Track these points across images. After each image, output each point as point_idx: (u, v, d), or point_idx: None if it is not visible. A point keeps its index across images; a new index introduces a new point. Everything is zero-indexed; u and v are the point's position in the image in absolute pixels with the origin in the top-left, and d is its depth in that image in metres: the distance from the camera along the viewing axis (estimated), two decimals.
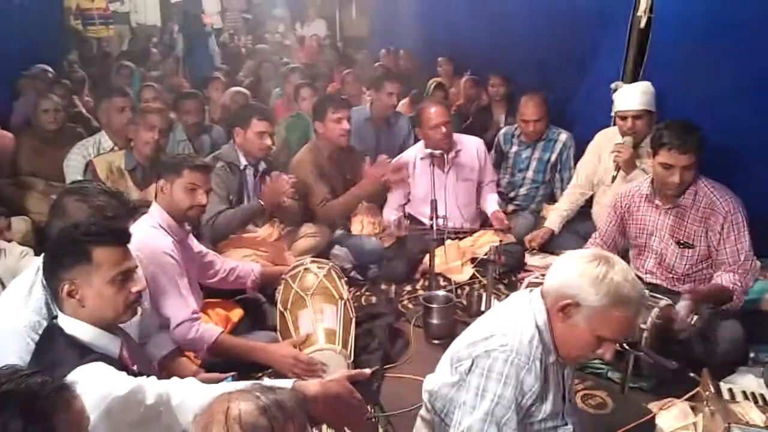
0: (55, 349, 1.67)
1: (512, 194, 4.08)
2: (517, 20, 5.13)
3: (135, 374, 1.71)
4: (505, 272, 3.43)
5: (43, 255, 1.82)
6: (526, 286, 2.74)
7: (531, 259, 3.54)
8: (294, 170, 3.63)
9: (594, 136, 3.66)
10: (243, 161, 3.39)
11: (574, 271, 1.57)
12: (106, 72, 6.91)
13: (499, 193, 4.00)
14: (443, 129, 3.60)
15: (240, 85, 6.08)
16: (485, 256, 3.10)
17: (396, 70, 6.55)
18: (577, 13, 4.23)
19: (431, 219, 3.13)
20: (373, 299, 3.41)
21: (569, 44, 4.42)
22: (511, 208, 4.01)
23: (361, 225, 3.77)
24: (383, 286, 3.53)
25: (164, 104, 4.63)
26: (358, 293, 3.41)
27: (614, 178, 3.28)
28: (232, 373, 2.25)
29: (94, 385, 1.51)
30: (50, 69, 5.46)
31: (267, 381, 1.53)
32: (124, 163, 3.41)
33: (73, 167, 3.66)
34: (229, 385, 1.56)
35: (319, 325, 2.56)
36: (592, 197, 3.65)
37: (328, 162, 3.71)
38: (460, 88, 5.71)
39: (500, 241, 3.46)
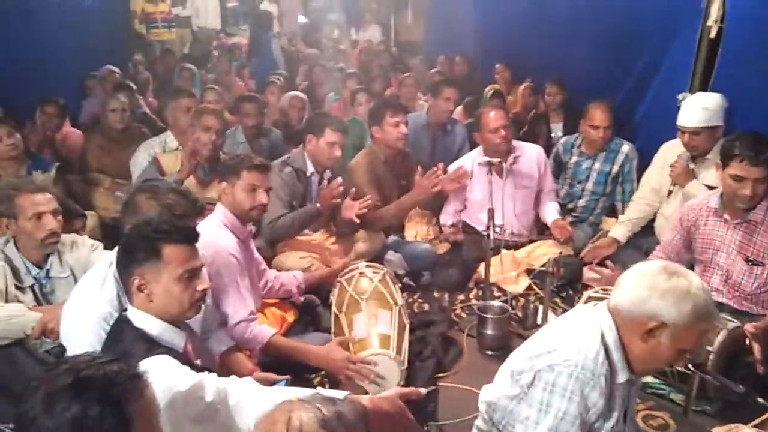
0: (124, 340, 1.73)
1: (571, 205, 3.99)
2: (578, 27, 5.03)
3: (198, 369, 1.75)
4: (562, 285, 3.36)
5: (116, 249, 1.89)
6: (586, 301, 2.68)
7: (590, 273, 3.45)
8: (349, 175, 3.67)
9: (659, 147, 3.57)
10: (310, 168, 3.44)
11: (654, 291, 1.53)
12: (169, 74, 7.14)
13: (557, 203, 3.92)
14: (502, 132, 3.56)
15: (296, 89, 6.17)
16: (543, 268, 3.03)
17: (452, 76, 6.52)
18: (643, 21, 4.12)
19: (487, 227, 3.09)
20: (426, 306, 3.40)
21: (633, 53, 4.31)
22: (569, 219, 3.92)
23: (416, 231, 3.77)
24: (436, 294, 3.51)
25: (225, 106, 4.76)
26: (410, 300, 3.40)
27: (670, 192, 3.20)
28: (286, 377, 2.27)
29: (160, 378, 1.54)
30: (117, 70, 5.67)
31: (321, 390, 1.53)
32: (180, 167, 3.51)
33: (139, 165, 3.78)
34: (289, 392, 1.57)
35: (373, 330, 2.56)
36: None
37: (383, 167, 3.73)
38: (518, 95, 5.63)
39: (560, 252, 3.38)
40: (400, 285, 3.00)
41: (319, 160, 3.44)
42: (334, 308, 2.77)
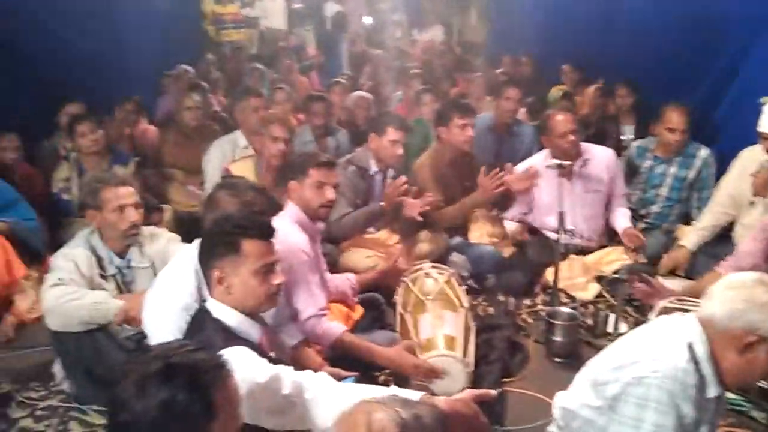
0: (205, 330, 1.79)
1: (643, 211, 3.86)
2: (652, 26, 4.87)
3: (272, 361, 1.79)
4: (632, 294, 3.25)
5: (196, 242, 1.96)
6: (660, 311, 2.59)
7: (665, 283, 3.32)
8: (414, 174, 3.67)
9: (738, 153, 3.41)
10: (374, 167, 3.47)
11: (752, 304, 1.47)
12: (239, 73, 7.33)
13: (629, 209, 3.80)
14: (570, 137, 3.49)
15: (360, 89, 6.22)
16: (615, 275, 2.95)
17: (517, 77, 6.44)
18: (722, 20, 3.96)
19: (557, 231, 3.03)
20: (491, 310, 3.36)
21: (711, 54, 4.14)
22: (641, 226, 3.79)
23: (480, 233, 3.73)
24: (501, 297, 3.45)
25: (294, 106, 4.85)
26: (474, 303, 3.36)
27: (752, 202, 3.05)
28: (354, 373, 2.30)
29: (239, 368, 1.59)
30: (191, 69, 5.87)
31: (397, 389, 1.53)
32: (254, 171, 3.57)
33: (211, 162, 3.91)
34: (365, 391, 1.59)
35: (439, 331, 2.56)
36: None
37: (447, 168, 3.71)
38: (586, 97, 5.50)
39: (635, 260, 3.28)
40: (465, 287, 2.98)
41: (382, 158, 3.46)
42: (399, 307, 2.78)
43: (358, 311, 2.97)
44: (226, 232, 1.82)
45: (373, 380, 2.60)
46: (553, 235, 3.26)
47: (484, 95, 5.68)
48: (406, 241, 3.60)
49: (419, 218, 3.32)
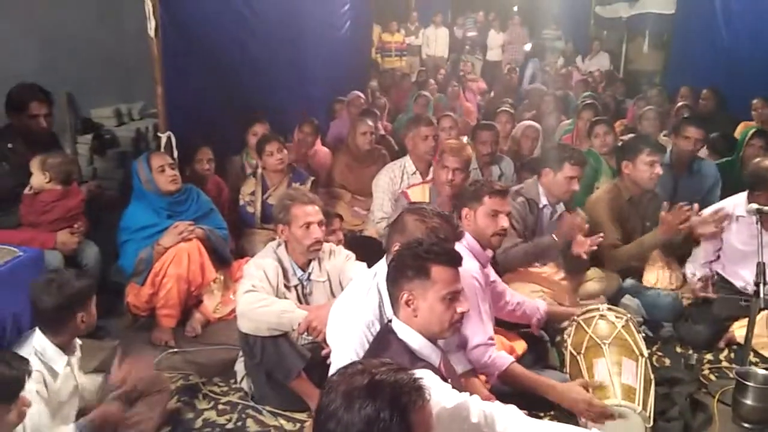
0: (389, 349, 1.84)
1: None
2: None
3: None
4: None
5: (383, 261, 2.03)
6: None
7: None
8: (590, 210, 3.53)
9: None
10: (543, 200, 3.40)
11: None
12: (402, 99, 7.58)
13: None
14: None
15: (522, 118, 6.14)
16: None
17: (697, 110, 5.98)
18: None
19: (756, 284, 2.73)
20: (666, 362, 3.12)
21: None
22: None
23: (657, 278, 3.48)
24: (679, 349, 3.20)
25: (459, 133, 4.90)
26: (648, 352, 3.13)
27: None
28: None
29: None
30: (362, 96, 6.17)
31: (594, 428, 1.46)
32: (428, 199, 3.61)
33: (381, 186, 4.05)
34: (557, 428, 1.53)
35: (616, 379, 2.41)
36: None
37: (627, 205, 3.53)
38: None
39: None
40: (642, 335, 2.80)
41: (554, 192, 3.38)
42: (570, 348, 2.67)
43: (521, 346, 2.90)
44: (417, 255, 1.87)
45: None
46: (746, 287, 2.95)
47: (658, 127, 5.34)
48: (572, 278, 3.47)
49: (585, 257, 3.19)
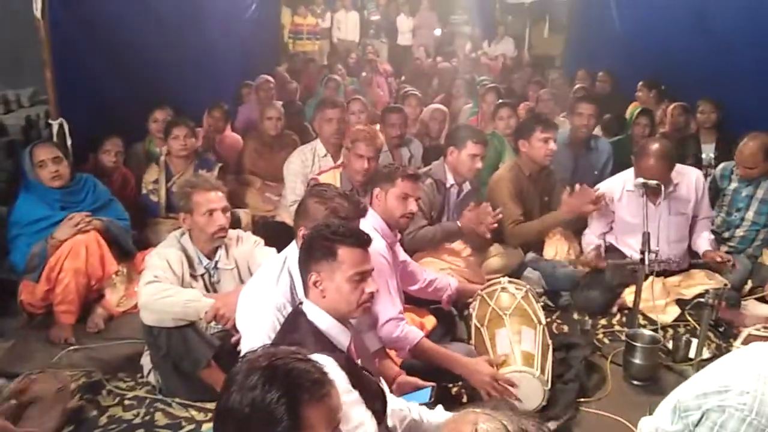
0: (299, 330, 1.86)
1: (727, 235, 3.73)
2: (741, 41, 4.69)
3: (359, 368, 1.83)
4: (720, 319, 3.13)
5: (294, 245, 2.05)
6: (746, 339, 2.49)
7: (754, 308, 3.19)
8: (492, 188, 3.65)
9: None
10: (450, 180, 3.48)
11: None
12: (312, 83, 7.51)
13: (712, 232, 3.67)
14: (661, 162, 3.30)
15: (431, 101, 6.26)
16: (700, 299, 2.85)
17: (593, 92, 6.31)
18: None
19: (641, 252, 2.95)
20: (565, 328, 3.32)
21: None
22: (724, 249, 3.65)
23: (555, 250, 3.68)
24: (576, 316, 3.41)
25: (370, 117, 4.92)
26: (548, 320, 3.31)
27: None
28: (431, 384, 2.30)
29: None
30: (272, 79, 6.05)
31: None
32: (340, 184, 3.58)
33: (292, 170, 4.00)
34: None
35: (516, 347, 2.54)
36: None
37: (527, 182, 3.69)
38: (665, 114, 5.33)
39: (725, 285, 3.16)
40: (541, 304, 2.95)
41: (459, 171, 3.47)
42: (474, 321, 2.78)
43: (431, 321, 2.99)
44: (324, 237, 1.89)
45: (446, 392, 2.62)
46: (635, 256, 3.17)
47: (554, 109, 5.60)
48: (478, 254, 3.60)
49: (488, 236, 3.32)
